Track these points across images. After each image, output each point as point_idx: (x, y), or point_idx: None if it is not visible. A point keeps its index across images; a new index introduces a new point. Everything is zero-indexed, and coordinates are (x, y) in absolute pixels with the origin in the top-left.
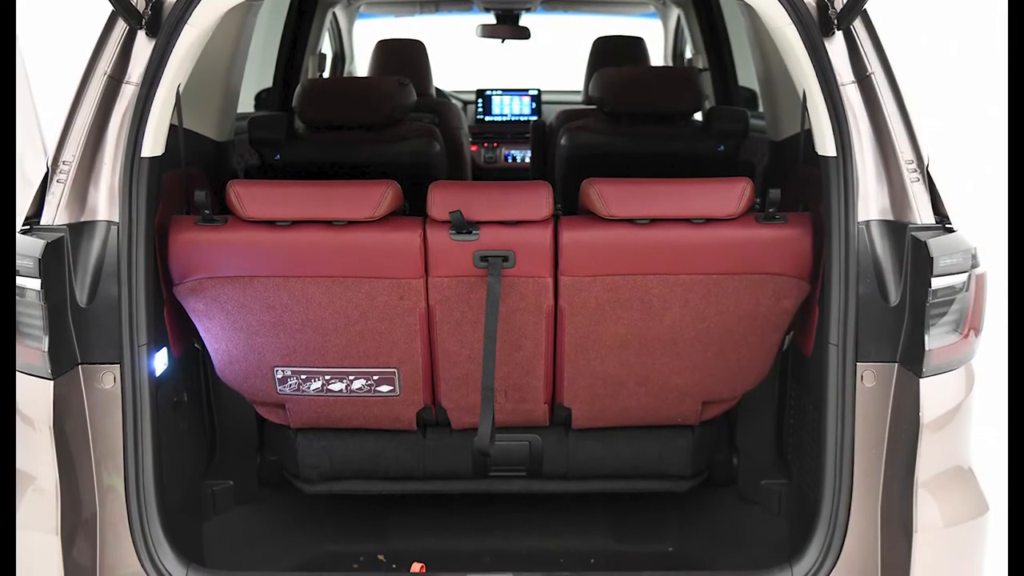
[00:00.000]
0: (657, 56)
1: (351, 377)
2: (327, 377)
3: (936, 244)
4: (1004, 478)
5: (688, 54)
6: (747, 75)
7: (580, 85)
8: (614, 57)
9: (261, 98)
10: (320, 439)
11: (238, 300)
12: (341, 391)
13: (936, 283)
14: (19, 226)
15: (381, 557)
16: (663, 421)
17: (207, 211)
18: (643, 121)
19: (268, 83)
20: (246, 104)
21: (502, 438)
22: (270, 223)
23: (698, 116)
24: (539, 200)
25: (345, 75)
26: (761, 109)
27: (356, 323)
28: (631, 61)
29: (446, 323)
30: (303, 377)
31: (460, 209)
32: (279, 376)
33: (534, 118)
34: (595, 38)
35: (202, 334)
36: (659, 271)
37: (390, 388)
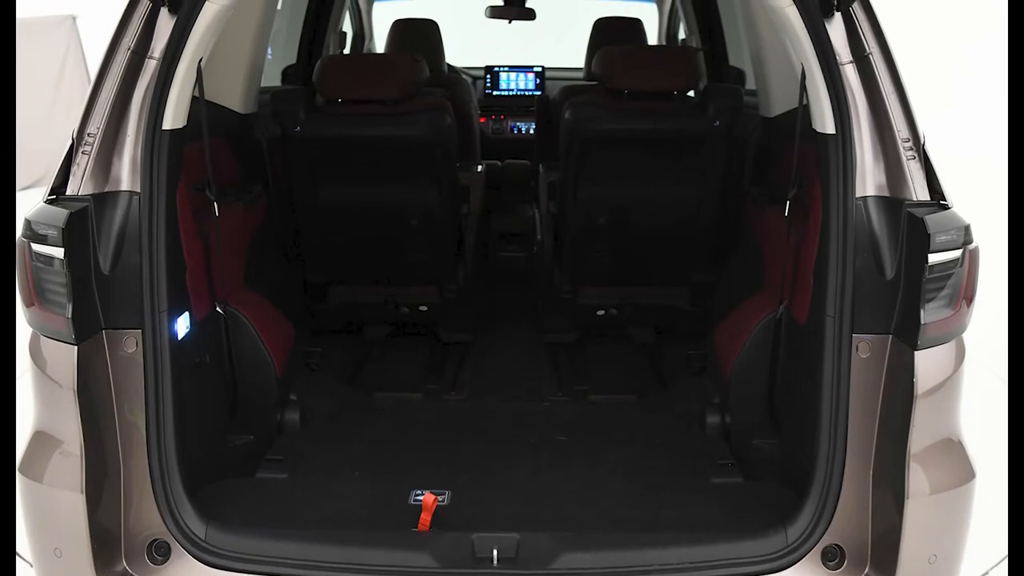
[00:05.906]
0: (651, 38)
1: None
2: None
3: (933, 221)
4: (1004, 449)
5: (682, 35)
6: (735, 55)
7: (579, 62)
8: (614, 37)
9: (287, 74)
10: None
11: None
12: None
13: (933, 259)
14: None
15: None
16: None
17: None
18: (642, 97)
19: (294, 60)
20: (273, 79)
21: None
22: None
23: (691, 93)
24: None
25: (364, 52)
26: (750, 87)
27: None
28: (630, 41)
29: None
30: None
31: None
32: None
33: (538, 93)
34: (596, 19)
35: None
36: None
37: None
